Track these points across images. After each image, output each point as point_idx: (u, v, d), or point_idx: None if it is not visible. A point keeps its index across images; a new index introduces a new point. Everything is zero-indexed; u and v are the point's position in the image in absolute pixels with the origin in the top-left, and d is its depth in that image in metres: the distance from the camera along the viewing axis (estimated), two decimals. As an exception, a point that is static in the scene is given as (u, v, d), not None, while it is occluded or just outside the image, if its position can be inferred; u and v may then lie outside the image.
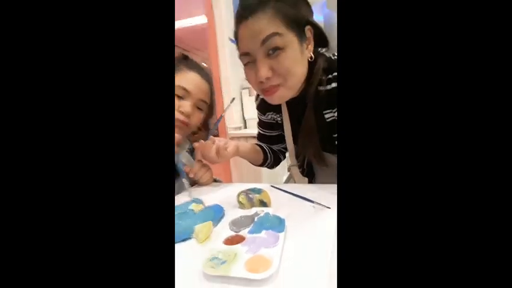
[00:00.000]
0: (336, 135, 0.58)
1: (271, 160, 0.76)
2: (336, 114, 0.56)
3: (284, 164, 0.76)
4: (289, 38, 0.47)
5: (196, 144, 0.61)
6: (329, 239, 0.33)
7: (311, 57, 0.52)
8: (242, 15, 0.48)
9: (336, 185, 0.48)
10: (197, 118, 0.64)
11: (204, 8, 1.75)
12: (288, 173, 0.74)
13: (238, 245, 0.33)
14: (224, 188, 0.62)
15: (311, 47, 0.52)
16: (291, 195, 0.50)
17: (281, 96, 0.52)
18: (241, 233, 0.36)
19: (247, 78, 0.54)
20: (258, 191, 0.47)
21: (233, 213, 0.43)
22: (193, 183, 0.67)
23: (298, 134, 0.61)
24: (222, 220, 0.43)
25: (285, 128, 0.67)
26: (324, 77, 0.54)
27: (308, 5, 0.52)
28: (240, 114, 1.91)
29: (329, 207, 0.42)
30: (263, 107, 0.70)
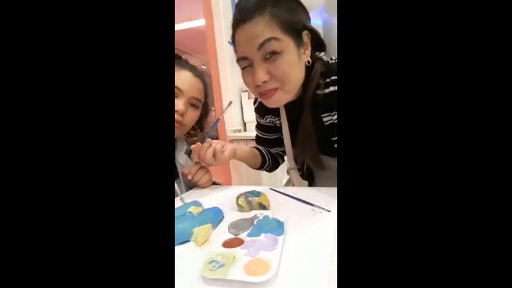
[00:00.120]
0: (334, 138, 0.58)
1: (270, 163, 0.76)
2: (334, 117, 0.57)
3: (284, 167, 0.76)
4: (286, 43, 0.47)
5: (193, 146, 0.61)
6: (329, 242, 0.33)
7: (308, 62, 0.52)
8: (239, 19, 0.48)
9: (335, 188, 0.48)
10: (192, 117, 0.63)
11: (204, 11, 1.76)
12: (288, 176, 0.74)
13: (237, 248, 0.32)
14: (223, 190, 0.62)
15: (308, 51, 0.52)
16: (291, 198, 0.50)
17: (278, 100, 0.53)
18: (240, 236, 0.36)
19: (245, 82, 0.54)
20: (257, 193, 0.47)
21: (232, 216, 0.43)
22: (192, 185, 0.67)
23: (296, 137, 0.61)
24: (221, 223, 0.43)
25: (283, 131, 0.67)
26: (321, 81, 0.54)
27: (305, 11, 0.53)
28: (240, 117, 1.91)
29: (329, 211, 0.42)
30: (262, 110, 0.70)
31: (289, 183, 0.78)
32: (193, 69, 0.63)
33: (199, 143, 0.60)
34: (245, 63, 0.50)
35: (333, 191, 0.51)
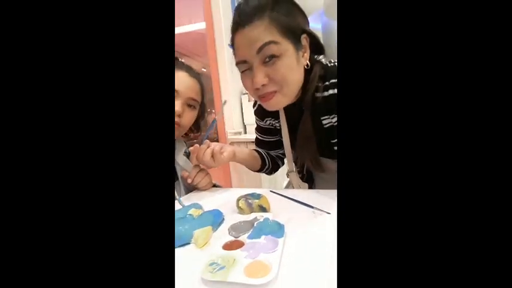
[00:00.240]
0: (333, 140, 0.59)
1: (270, 166, 0.76)
2: (333, 120, 0.57)
3: (284, 170, 0.76)
4: (285, 46, 0.48)
5: (191, 148, 0.61)
6: (329, 244, 0.33)
7: (307, 65, 0.53)
8: (238, 23, 0.49)
9: (335, 191, 0.48)
10: (189, 117, 0.63)
11: (204, 14, 1.78)
12: (288, 178, 0.74)
13: (238, 250, 0.33)
14: (224, 193, 0.62)
15: (307, 55, 0.53)
16: (291, 201, 0.50)
17: (277, 103, 0.53)
18: (240, 238, 0.36)
19: (244, 85, 0.54)
20: (257, 196, 0.47)
21: (232, 218, 0.43)
22: (192, 189, 0.67)
23: (296, 139, 0.62)
24: (222, 225, 0.43)
25: (282, 133, 0.67)
26: (320, 84, 0.54)
27: (304, 15, 0.53)
28: (240, 120, 1.92)
29: (329, 213, 0.42)
30: (261, 112, 0.70)
31: (289, 185, 0.78)
32: (189, 69, 0.63)
33: (197, 145, 0.60)
34: (244, 66, 0.51)
35: (333, 193, 0.51)
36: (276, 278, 0.28)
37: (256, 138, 0.78)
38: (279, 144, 0.71)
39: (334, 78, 0.53)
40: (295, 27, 0.49)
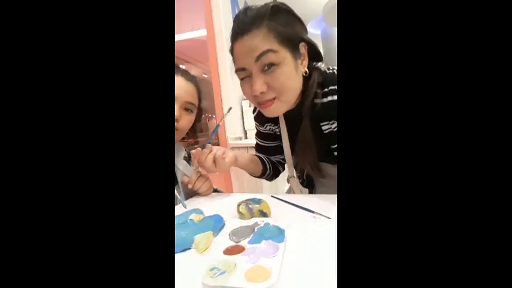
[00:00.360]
0: (333, 146, 0.59)
1: (271, 171, 0.76)
2: (332, 126, 0.57)
3: (285, 175, 0.76)
4: (283, 55, 0.49)
5: (193, 151, 0.61)
6: (329, 249, 0.33)
7: (306, 72, 0.54)
8: (238, 32, 0.50)
9: (335, 195, 0.48)
10: (187, 121, 0.63)
11: (205, 21, 1.80)
12: (289, 184, 0.74)
13: (238, 255, 0.33)
14: (224, 198, 0.62)
15: (305, 62, 0.54)
16: (291, 206, 0.50)
17: (276, 109, 0.54)
18: (241, 243, 0.36)
19: (243, 92, 0.55)
20: (258, 201, 0.47)
21: (233, 223, 0.43)
22: (192, 194, 0.67)
23: (296, 145, 0.62)
24: (222, 230, 0.43)
25: (283, 139, 0.67)
26: (319, 90, 0.55)
27: (302, 23, 0.54)
28: (241, 125, 1.92)
29: (329, 217, 0.42)
30: (261, 118, 0.71)
31: (290, 191, 0.78)
32: (184, 73, 0.63)
33: (199, 149, 0.60)
34: (243, 73, 0.52)
35: (333, 198, 0.51)
36: (276, 282, 0.28)
37: (257, 143, 0.78)
38: (279, 150, 0.72)
39: (333, 85, 0.54)
40: (293, 36, 0.50)
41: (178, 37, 2.22)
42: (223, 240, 0.38)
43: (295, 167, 0.72)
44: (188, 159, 0.71)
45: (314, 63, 0.58)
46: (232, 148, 1.72)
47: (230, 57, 0.55)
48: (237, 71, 0.53)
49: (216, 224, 0.43)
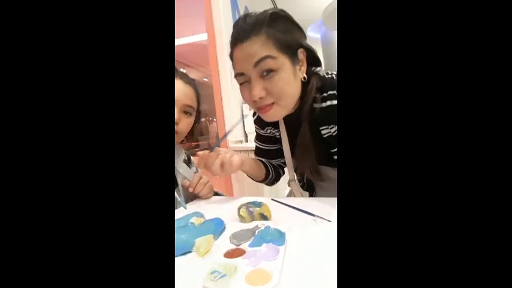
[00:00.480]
0: (333, 150, 0.59)
1: (273, 176, 0.75)
2: (332, 130, 0.57)
3: (286, 178, 0.76)
4: (282, 61, 0.49)
5: (200, 153, 0.60)
6: (329, 252, 0.33)
7: (304, 78, 0.54)
8: (237, 38, 0.51)
9: (336, 198, 0.48)
10: (186, 124, 0.63)
11: (206, 25, 1.82)
12: (289, 187, 0.74)
13: (239, 258, 0.33)
14: (225, 201, 0.62)
15: (304, 68, 0.54)
16: (292, 209, 0.50)
17: (275, 114, 0.54)
18: (241, 246, 0.36)
19: (243, 97, 0.56)
20: (259, 204, 0.47)
21: (234, 226, 0.43)
22: (193, 198, 0.66)
23: (295, 149, 0.62)
24: (223, 233, 0.43)
25: (283, 143, 0.67)
26: (318, 95, 0.56)
27: (301, 30, 0.55)
28: (241, 128, 1.93)
29: (330, 220, 0.42)
30: (261, 121, 0.71)
31: (290, 194, 0.78)
32: (183, 76, 0.63)
33: (206, 152, 0.60)
34: (242, 79, 0.53)
35: (333, 201, 0.51)
36: (277, 285, 0.28)
37: (256, 147, 0.78)
38: (280, 153, 0.72)
39: (332, 90, 0.54)
40: (291, 43, 0.51)
41: (179, 41, 2.24)
42: (224, 243, 0.38)
43: (296, 171, 0.72)
44: (188, 161, 0.71)
45: (313, 68, 0.58)
46: (233, 151, 1.72)
47: (230, 61, 0.56)
48: (236, 76, 0.54)
49: (216, 227, 0.43)
